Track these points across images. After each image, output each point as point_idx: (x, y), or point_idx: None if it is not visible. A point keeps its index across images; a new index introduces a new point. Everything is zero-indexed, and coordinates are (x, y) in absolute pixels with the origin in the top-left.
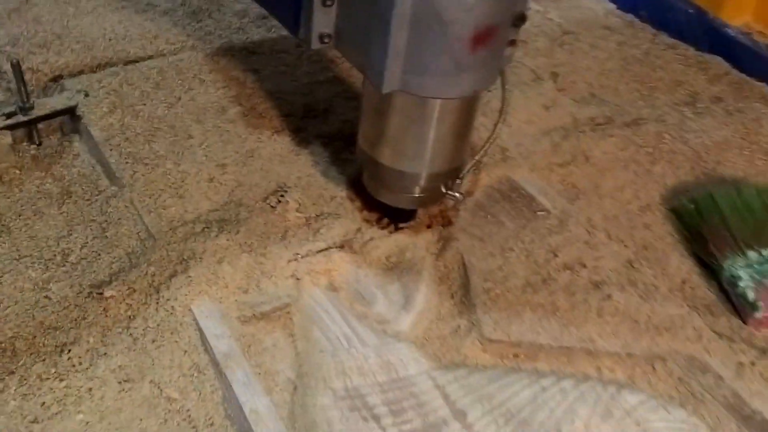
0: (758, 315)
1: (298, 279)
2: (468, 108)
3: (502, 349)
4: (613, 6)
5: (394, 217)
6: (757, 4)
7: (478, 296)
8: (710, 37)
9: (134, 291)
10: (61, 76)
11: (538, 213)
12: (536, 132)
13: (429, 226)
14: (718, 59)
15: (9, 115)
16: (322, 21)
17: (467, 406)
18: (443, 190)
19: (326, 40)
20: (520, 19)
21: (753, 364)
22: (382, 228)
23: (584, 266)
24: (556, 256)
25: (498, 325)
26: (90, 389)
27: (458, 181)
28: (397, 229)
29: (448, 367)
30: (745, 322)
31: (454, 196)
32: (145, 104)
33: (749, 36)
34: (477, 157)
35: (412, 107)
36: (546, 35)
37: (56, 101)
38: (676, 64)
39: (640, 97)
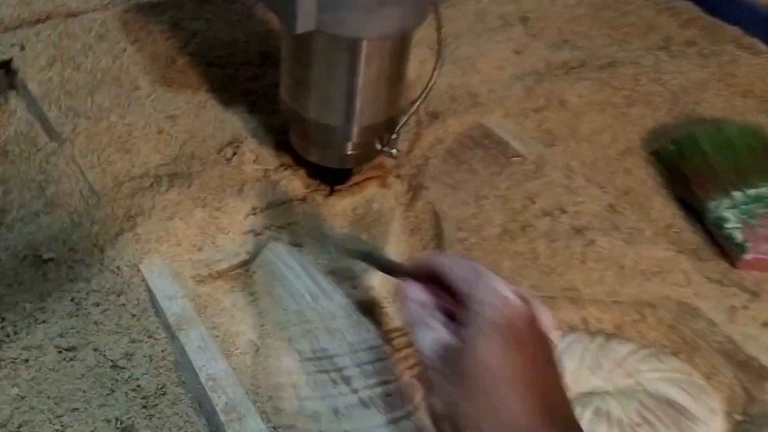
0: (747, 256)
1: (257, 234)
2: (398, 49)
3: None
4: None
5: (326, 179)
6: None
7: (452, 246)
8: None
9: (76, 252)
10: None
11: (513, 159)
12: (508, 77)
13: (398, 176)
14: (689, 4)
15: None
16: None
17: None
18: (378, 146)
19: None
20: None
21: (745, 307)
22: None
23: (564, 212)
24: (533, 202)
25: None
26: (26, 360)
27: (394, 135)
28: (332, 192)
29: None
30: (733, 265)
31: (390, 153)
32: (87, 56)
33: None
34: (414, 108)
35: (333, 50)
36: None
37: None
38: (646, 9)
39: (613, 41)
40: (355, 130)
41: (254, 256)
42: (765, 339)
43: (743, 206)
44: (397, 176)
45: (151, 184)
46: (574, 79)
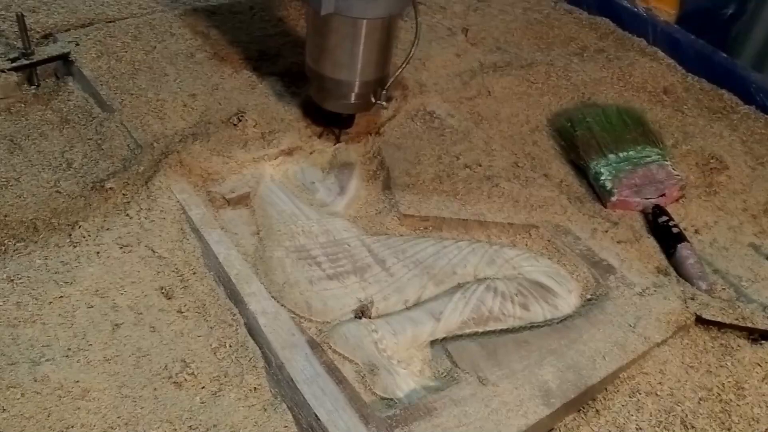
0: (613, 199)
1: (256, 175)
2: (388, 27)
3: (414, 222)
4: None
5: (336, 124)
6: None
7: (397, 186)
8: (601, 3)
9: (128, 183)
10: (51, 34)
11: (447, 130)
12: (449, 73)
13: (369, 133)
14: (607, 21)
15: (13, 60)
16: None
17: (387, 257)
18: (372, 99)
19: None
20: None
21: (605, 231)
22: (325, 141)
23: (480, 165)
24: (458, 158)
25: (412, 205)
26: (98, 252)
27: (384, 91)
28: (338, 139)
29: (373, 234)
30: (604, 206)
31: (382, 105)
32: (126, 52)
33: (631, 1)
34: (398, 71)
35: (344, 26)
36: (462, 2)
37: (52, 49)
38: (571, 25)
39: (538, 49)
40: (357, 83)
41: (254, 189)
42: (615, 249)
43: (615, 164)
44: (369, 133)
45: (180, 140)
46: (500, 75)
